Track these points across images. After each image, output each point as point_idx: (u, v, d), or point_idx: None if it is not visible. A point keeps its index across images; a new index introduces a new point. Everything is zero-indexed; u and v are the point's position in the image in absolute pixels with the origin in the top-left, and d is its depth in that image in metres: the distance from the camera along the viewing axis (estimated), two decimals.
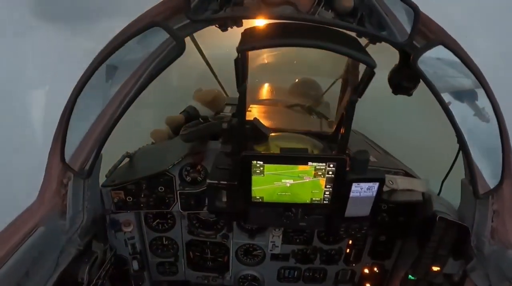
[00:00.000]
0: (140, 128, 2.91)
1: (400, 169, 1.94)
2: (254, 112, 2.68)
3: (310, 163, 1.52)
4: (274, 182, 1.57)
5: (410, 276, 1.95)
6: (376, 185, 1.59)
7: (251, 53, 1.46)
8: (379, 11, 1.36)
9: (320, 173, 1.54)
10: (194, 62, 2.93)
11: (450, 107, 1.46)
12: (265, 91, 3.93)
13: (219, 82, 3.04)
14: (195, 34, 2.22)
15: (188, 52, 1.38)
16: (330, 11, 1.32)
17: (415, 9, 1.25)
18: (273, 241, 2.22)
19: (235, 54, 1.38)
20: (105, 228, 1.98)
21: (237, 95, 1.57)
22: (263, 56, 3.72)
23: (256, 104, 2.90)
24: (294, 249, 2.28)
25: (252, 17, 1.33)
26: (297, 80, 4.08)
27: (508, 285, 1.45)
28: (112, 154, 2.01)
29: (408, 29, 1.33)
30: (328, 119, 2.87)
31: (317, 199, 1.62)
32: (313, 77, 3.87)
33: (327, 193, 1.60)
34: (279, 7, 1.29)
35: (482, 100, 1.52)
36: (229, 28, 1.44)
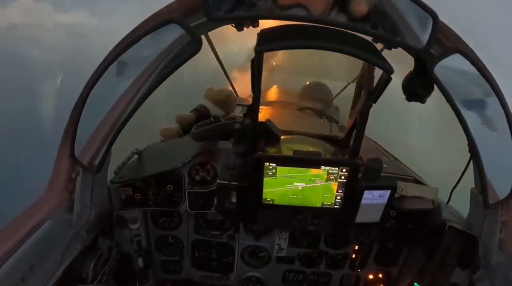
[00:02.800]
0: (149, 125, 2.90)
1: (410, 176, 1.94)
2: (264, 113, 2.67)
3: (323, 167, 1.52)
4: (286, 185, 1.57)
5: (416, 284, 1.95)
6: (388, 193, 1.59)
7: (265, 54, 1.45)
8: (392, 18, 1.33)
9: (333, 177, 1.54)
10: (204, 61, 2.92)
11: (464, 116, 1.45)
12: (275, 93, 3.91)
13: (230, 82, 3.03)
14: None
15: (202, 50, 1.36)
16: (343, 15, 1.29)
17: (434, 16, 1.23)
18: (279, 243, 2.21)
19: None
20: (111, 224, 1.97)
21: (246, 96, 1.56)
22: (274, 58, 3.71)
23: (266, 105, 2.89)
24: (300, 252, 2.27)
25: (271, 17, 1.31)
26: (307, 83, 4.06)
27: None
28: (121, 150, 2.01)
29: (421, 36, 1.30)
30: (339, 124, 2.85)
31: (328, 203, 1.62)
32: (324, 81, 3.85)
33: (338, 197, 1.60)
34: (291, 9, 1.28)
35: (496, 111, 1.52)
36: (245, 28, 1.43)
